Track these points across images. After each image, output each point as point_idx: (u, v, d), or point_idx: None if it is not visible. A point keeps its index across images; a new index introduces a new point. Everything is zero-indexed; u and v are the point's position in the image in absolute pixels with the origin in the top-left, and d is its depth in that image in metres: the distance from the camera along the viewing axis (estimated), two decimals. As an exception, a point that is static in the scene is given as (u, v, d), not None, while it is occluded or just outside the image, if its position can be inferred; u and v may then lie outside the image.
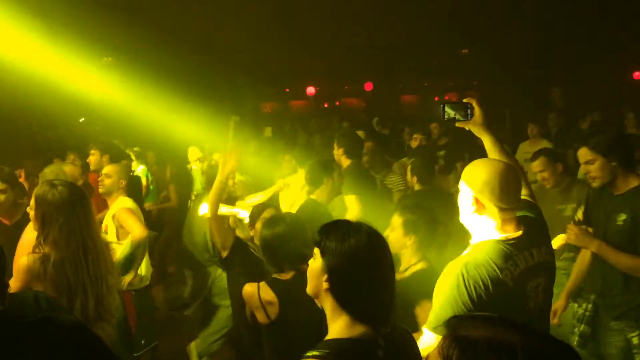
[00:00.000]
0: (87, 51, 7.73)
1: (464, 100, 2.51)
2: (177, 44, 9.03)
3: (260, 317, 2.72)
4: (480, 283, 2.01)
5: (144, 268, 4.23)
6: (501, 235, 2.12)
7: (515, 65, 11.19)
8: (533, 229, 2.22)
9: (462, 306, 1.98)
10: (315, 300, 1.81)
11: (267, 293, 2.71)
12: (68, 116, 10.72)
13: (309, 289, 1.81)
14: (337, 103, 17.23)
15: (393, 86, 16.86)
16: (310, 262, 1.82)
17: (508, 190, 2.09)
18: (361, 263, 1.72)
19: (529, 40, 10.45)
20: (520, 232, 2.14)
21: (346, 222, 1.84)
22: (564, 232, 3.17)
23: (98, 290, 2.69)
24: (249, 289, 2.76)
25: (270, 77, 14.03)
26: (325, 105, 17.44)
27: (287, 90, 16.95)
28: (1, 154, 6.72)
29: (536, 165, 4.16)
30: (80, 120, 12.35)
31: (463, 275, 2.02)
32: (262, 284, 2.75)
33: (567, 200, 4.13)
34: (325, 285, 1.73)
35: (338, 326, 1.72)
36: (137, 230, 3.98)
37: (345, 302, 1.72)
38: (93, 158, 5.59)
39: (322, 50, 11.02)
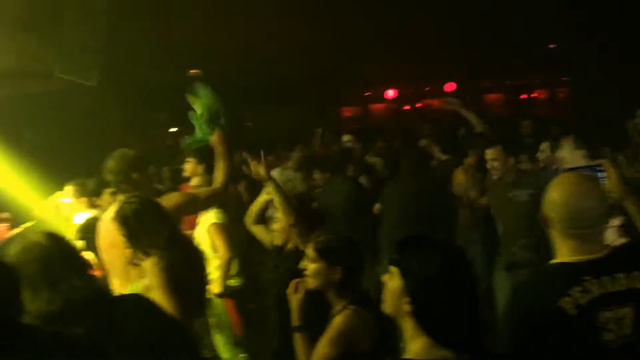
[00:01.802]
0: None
1: (594, 164, 2.27)
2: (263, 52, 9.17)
3: None
4: (531, 309, 1.87)
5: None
6: (571, 257, 1.92)
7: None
8: (626, 251, 2.03)
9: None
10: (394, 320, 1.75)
11: None
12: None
13: (387, 309, 1.75)
14: (420, 105, 16.89)
15: (476, 85, 16.33)
16: (387, 279, 1.74)
17: (578, 215, 1.89)
18: (445, 286, 1.65)
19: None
20: (601, 254, 1.92)
21: (424, 240, 1.75)
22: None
23: None
24: None
25: (350, 81, 14.01)
26: (407, 108, 17.18)
27: (368, 94, 16.84)
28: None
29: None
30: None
31: (515, 301, 1.94)
32: None
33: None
34: (406, 307, 1.67)
35: (417, 347, 1.66)
36: (222, 250, 4.06)
37: (427, 326, 1.65)
38: (189, 166, 5.67)
39: (404, 52, 10.83)
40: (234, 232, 4.31)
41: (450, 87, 15.33)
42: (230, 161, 3.73)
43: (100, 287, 2.18)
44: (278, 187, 3.67)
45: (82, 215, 4.19)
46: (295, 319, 2.67)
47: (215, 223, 4.19)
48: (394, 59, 11.49)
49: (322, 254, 2.65)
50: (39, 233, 1.90)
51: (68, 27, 7.53)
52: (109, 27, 8.09)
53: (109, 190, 4.15)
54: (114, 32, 8.03)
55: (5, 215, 7.45)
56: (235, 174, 5.59)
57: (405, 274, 1.66)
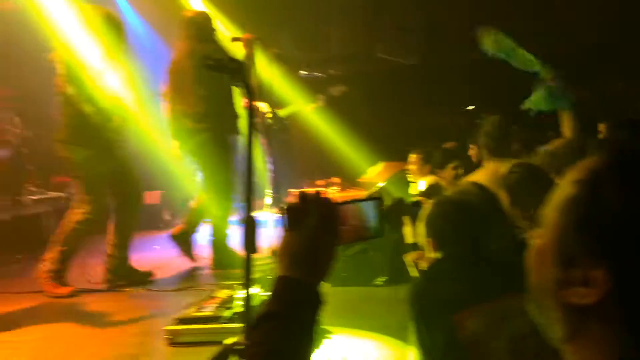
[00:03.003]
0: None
1: None
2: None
3: None
4: None
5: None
6: None
7: None
8: None
9: None
10: None
11: None
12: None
13: None
14: None
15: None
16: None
17: None
18: None
19: None
20: None
21: None
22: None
23: None
24: None
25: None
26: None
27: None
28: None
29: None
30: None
31: None
32: None
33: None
34: None
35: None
36: None
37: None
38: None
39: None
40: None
41: None
42: None
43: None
44: None
45: (424, 181, 4.44)
46: None
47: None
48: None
49: None
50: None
51: (388, 10, 8.10)
52: (428, 7, 8.45)
53: (451, 165, 4.29)
54: (432, 12, 8.35)
55: (336, 179, 8.43)
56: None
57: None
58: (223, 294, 3.31)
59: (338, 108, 7.49)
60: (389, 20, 8.64)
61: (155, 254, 5.46)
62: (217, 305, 3.13)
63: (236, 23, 7.78)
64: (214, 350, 2.02)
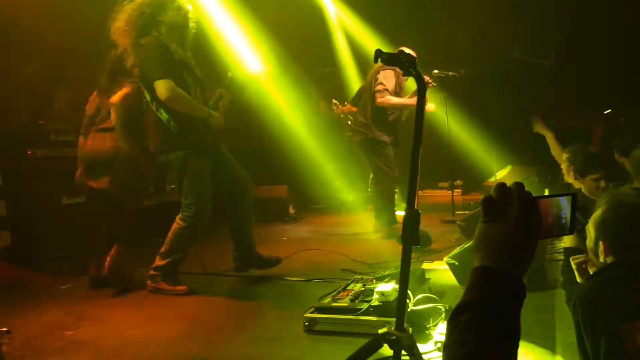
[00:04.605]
0: None
1: None
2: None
3: None
4: None
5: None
6: None
7: None
8: None
9: None
10: None
11: None
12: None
13: None
14: None
15: None
16: None
17: None
18: None
19: None
20: None
21: None
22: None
23: None
24: None
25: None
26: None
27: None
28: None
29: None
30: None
31: None
32: None
33: None
34: None
35: None
36: None
37: None
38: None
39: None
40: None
41: None
42: None
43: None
44: None
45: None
46: None
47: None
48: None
49: None
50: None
51: (528, 11, 7.78)
52: (566, 7, 8.01)
53: (592, 176, 3.99)
54: (570, 13, 7.91)
55: (458, 182, 8.25)
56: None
57: None
58: (357, 286, 3.35)
59: (469, 108, 7.32)
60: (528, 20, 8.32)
61: (282, 245, 5.65)
62: (352, 297, 3.18)
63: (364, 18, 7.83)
64: (367, 340, 2.05)
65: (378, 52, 2.00)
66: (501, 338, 0.91)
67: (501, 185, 1.01)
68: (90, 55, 4.91)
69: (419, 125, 1.96)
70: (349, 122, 7.22)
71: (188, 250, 4.16)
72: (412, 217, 1.90)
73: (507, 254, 0.96)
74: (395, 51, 2.05)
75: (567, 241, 2.94)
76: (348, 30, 9.03)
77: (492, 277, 0.95)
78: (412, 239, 1.91)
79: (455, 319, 0.94)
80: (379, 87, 5.69)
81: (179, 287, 4.00)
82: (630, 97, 7.74)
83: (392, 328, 2.00)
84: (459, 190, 8.02)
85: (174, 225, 4.09)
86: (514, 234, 0.97)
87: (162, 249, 4.09)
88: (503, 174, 7.04)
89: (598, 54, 8.30)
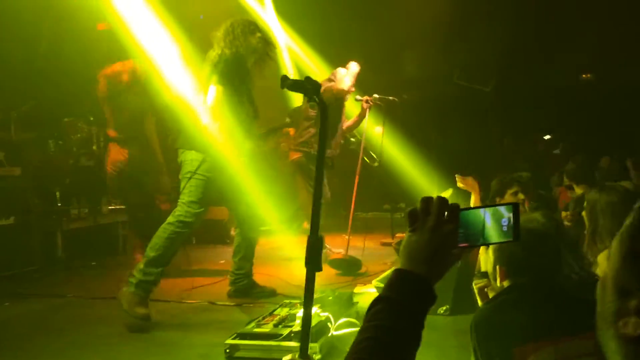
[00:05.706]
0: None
1: None
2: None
3: None
4: None
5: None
6: None
7: None
8: None
9: None
10: None
11: None
12: None
13: None
14: None
15: None
16: None
17: None
18: None
19: None
20: None
21: None
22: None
23: None
24: None
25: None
26: None
27: None
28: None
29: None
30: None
31: None
32: None
33: None
34: None
35: None
36: None
37: None
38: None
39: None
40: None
41: None
42: None
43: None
44: None
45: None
46: None
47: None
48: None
49: None
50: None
51: (470, 39, 8.02)
52: (505, 35, 8.31)
53: (510, 191, 4.14)
54: (510, 40, 8.21)
55: (401, 204, 8.35)
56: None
57: None
58: (283, 311, 3.32)
59: (409, 133, 7.44)
60: (467, 47, 8.58)
61: (219, 267, 5.57)
62: (275, 322, 3.15)
63: (310, 43, 7.89)
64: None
65: (283, 78, 2.01)
66: (401, 332, 1.01)
67: (425, 199, 1.11)
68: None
69: (322, 150, 1.98)
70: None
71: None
72: (315, 244, 1.90)
73: (421, 259, 1.06)
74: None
75: (483, 265, 3.01)
76: (295, 56, 9.06)
77: (402, 276, 1.06)
78: (315, 265, 1.90)
79: (367, 312, 1.04)
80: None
81: (141, 310, 3.65)
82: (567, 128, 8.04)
83: (297, 355, 1.99)
84: (402, 213, 8.11)
85: (165, 228, 3.85)
86: (428, 241, 1.07)
87: (153, 254, 3.78)
88: (445, 196, 7.17)
89: (536, 82, 8.64)
